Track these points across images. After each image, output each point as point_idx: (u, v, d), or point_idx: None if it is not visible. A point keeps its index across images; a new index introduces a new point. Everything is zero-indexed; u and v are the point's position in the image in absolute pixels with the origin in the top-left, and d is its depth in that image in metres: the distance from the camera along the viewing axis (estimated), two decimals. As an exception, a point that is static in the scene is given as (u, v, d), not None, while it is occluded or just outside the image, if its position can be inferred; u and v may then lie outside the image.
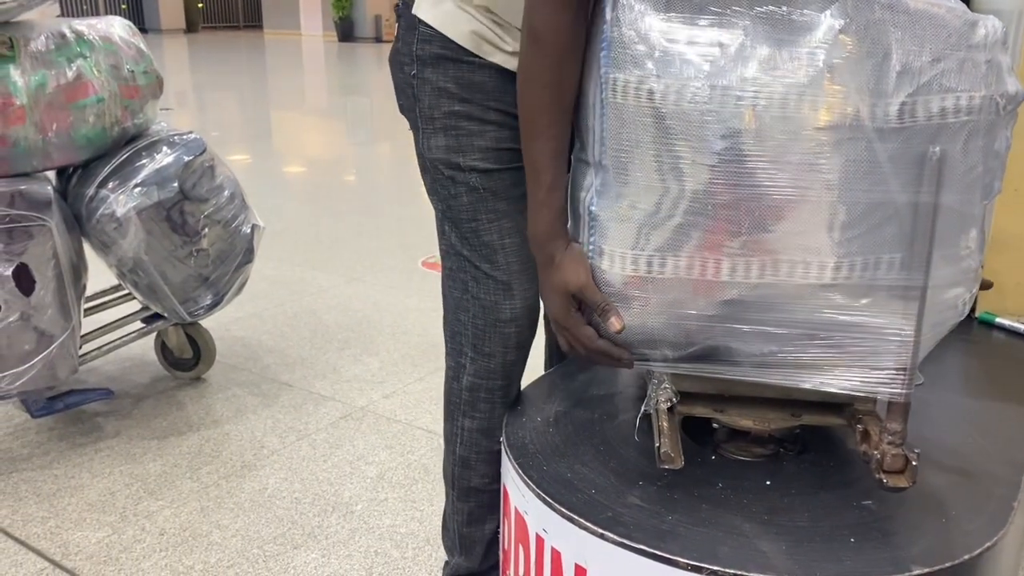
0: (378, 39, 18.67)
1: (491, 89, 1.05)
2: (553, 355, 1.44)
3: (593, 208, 0.90)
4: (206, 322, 2.32)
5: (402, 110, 1.13)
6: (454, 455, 1.25)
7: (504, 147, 1.07)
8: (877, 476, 0.89)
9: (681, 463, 0.91)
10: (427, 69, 1.07)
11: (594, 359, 0.98)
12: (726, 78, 0.80)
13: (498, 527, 1.23)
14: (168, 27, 19.58)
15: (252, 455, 2.00)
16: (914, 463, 0.88)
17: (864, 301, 0.87)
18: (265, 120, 8.40)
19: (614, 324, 0.91)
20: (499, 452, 1.16)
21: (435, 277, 3.23)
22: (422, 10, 1.07)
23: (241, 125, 7.78)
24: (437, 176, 1.13)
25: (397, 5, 1.15)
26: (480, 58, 1.04)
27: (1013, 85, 0.86)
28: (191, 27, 20.87)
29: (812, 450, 1.06)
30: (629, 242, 0.88)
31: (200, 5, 21.50)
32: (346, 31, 18.84)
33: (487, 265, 1.13)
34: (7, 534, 1.71)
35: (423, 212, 5.17)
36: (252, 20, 23.06)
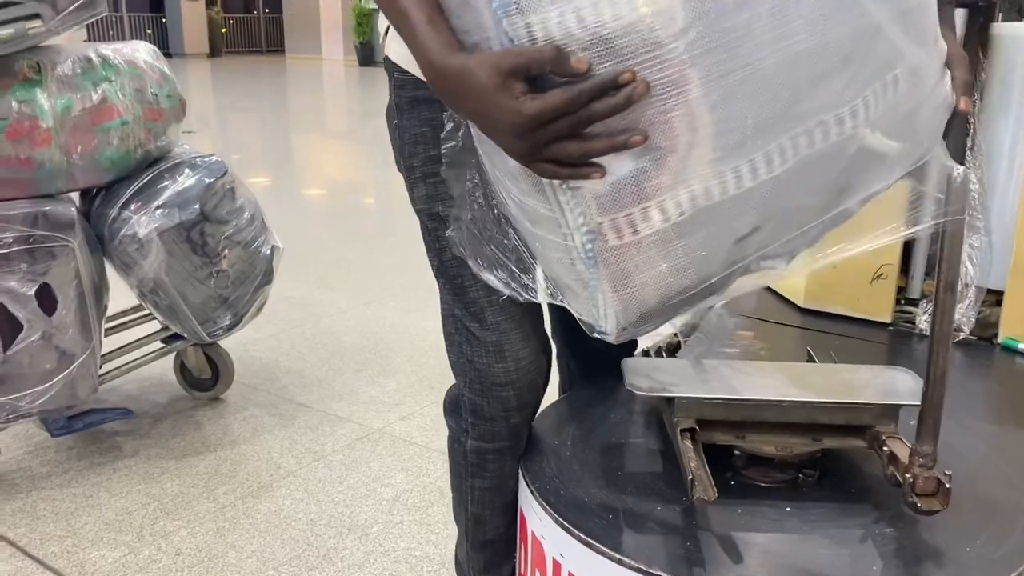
0: (398, 63, 18.82)
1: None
2: (573, 379, 1.41)
3: None
4: (225, 342, 2.33)
5: (397, 166, 1.07)
6: (466, 512, 1.19)
7: None
8: (909, 500, 0.88)
9: (714, 495, 0.89)
10: (404, 116, 1.01)
11: (591, 151, 0.71)
12: None
13: (514, 568, 1.20)
14: (192, 51, 19.89)
15: (269, 476, 2.00)
16: (947, 485, 0.87)
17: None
18: (285, 143, 8.48)
19: (581, 64, 0.66)
20: (514, 501, 1.13)
21: (452, 299, 3.25)
22: (391, 50, 1.01)
23: (261, 148, 7.86)
24: (423, 229, 1.07)
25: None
26: None
27: None
28: (214, 52, 21.19)
29: (832, 475, 1.05)
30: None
31: (223, 30, 21.83)
32: (366, 56, 19.05)
33: (476, 325, 1.04)
34: (25, 553, 1.72)
35: (441, 234, 5.15)
36: (274, 45, 23.38)
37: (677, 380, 1.08)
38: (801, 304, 1.70)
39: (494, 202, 0.87)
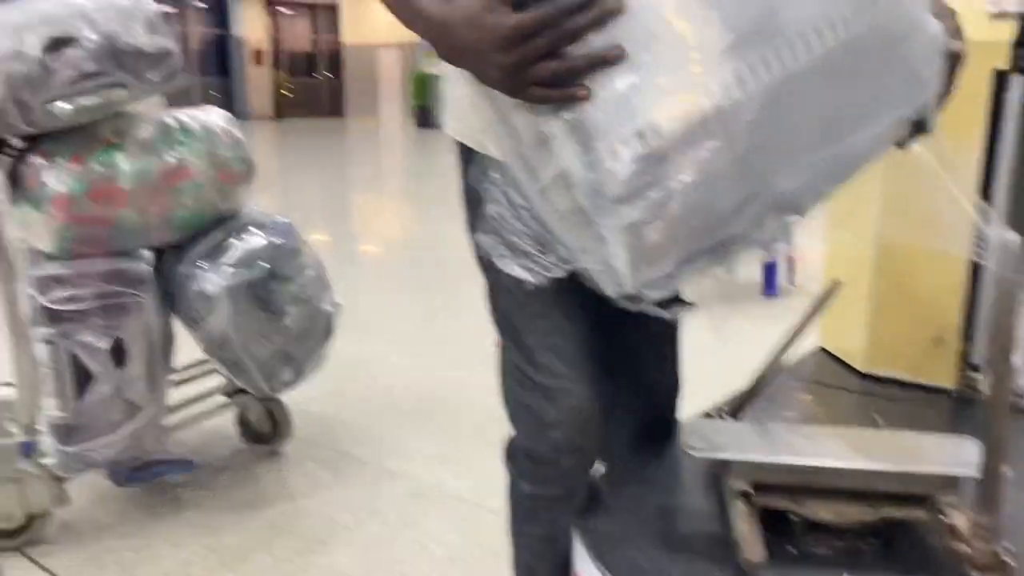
0: (454, 125, 19.27)
1: None
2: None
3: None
4: (284, 396, 2.38)
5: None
6: (520, 560, 1.22)
7: None
8: (969, 575, 0.86)
9: (762, 556, 0.89)
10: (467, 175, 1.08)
11: (574, 68, 0.75)
12: None
13: None
14: (257, 114, 20.63)
15: (325, 531, 2.02)
16: (1009, 560, 0.85)
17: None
18: (343, 201, 8.70)
19: None
20: (567, 557, 1.13)
21: (506, 357, 3.27)
22: (449, 128, 1.10)
23: (321, 206, 8.08)
24: (484, 280, 1.13)
25: None
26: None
27: None
28: (278, 114, 21.96)
29: (890, 545, 1.03)
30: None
31: (287, 93, 22.63)
32: (423, 118, 19.53)
33: (530, 368, 1.09)
34: (89, 601, 1.76)
35: (495, 293, 5.15)
36: (335, 108, 24.12)
37: (734, 443, 1.08)
38: (861, 368, 1.68)
39: (512, 195, 0.90)
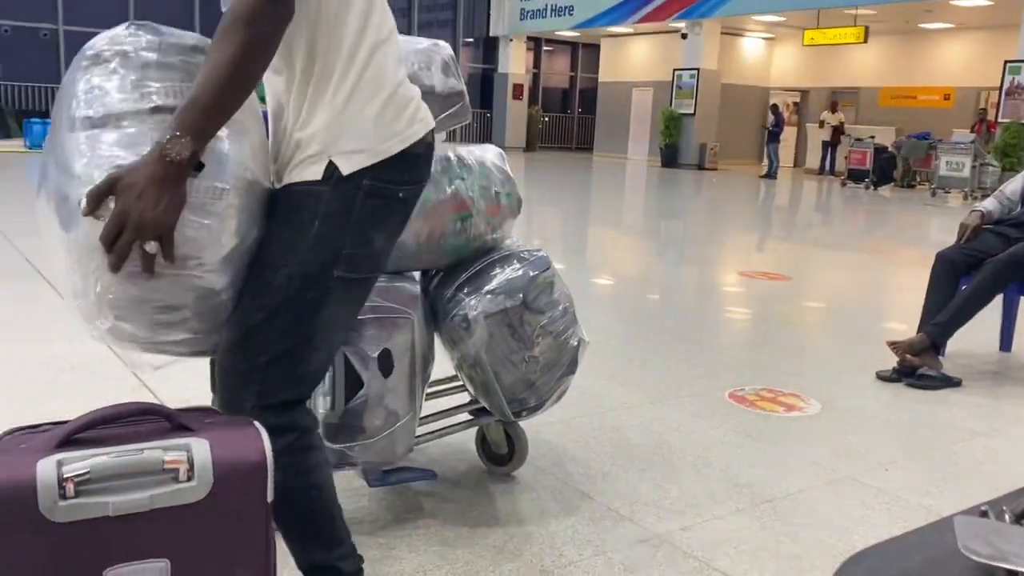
0: (700, 166, 19.09)
1: None
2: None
3: None
4: (522, 423, 2.46)
5: None
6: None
7: None
8: None
9: None
10: None
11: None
12: None
13: None
14: (511, 144, 21.66)
15: (551, 561, 2.06)
16: None
17: None
18: (583, 235, 8.88)
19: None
20: None
21: (742, 411, 3.18)
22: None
23: (561, 238, 8.30)
24: None
25: None
26: None
27: None
28: (530, 146, 22.90)
29: None
30: None
31: (540, 125, 23.52)
32: (670, 157, 19.52)
33: None
34: (336, 588, 1.92)
35: (732, 341, 5.11)
36: (584, 143, 24.75)
37: (1022, 551, 0.98)
38: None
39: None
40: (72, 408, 1.49)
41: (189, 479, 1.28)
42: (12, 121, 16.80)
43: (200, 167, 1.30)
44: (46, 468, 1.20)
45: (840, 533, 2.29)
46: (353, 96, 1.46)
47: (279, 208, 1.49)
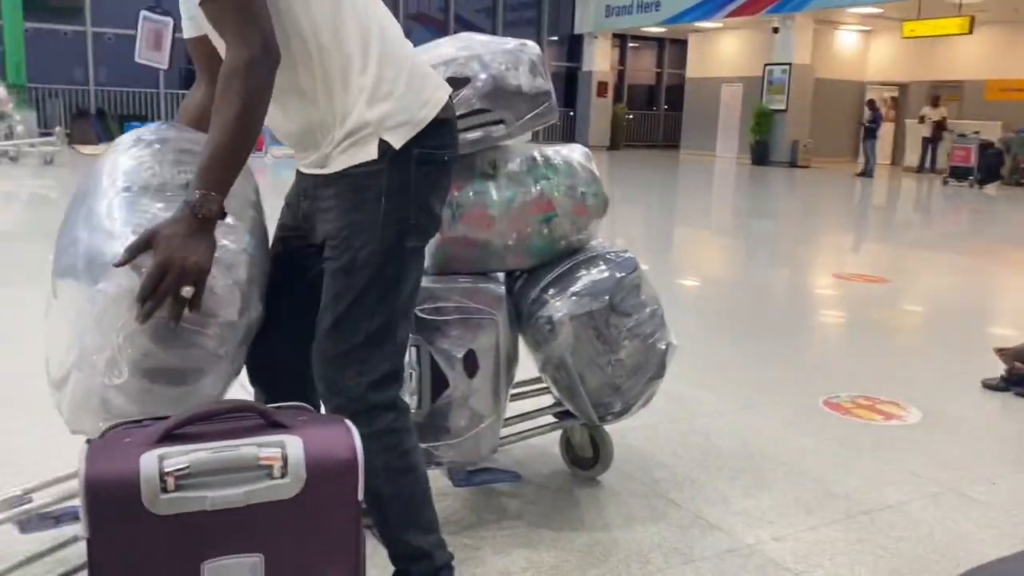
0: (792, 164, 18.58)
1: None
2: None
3: None
4: (606, 427, 2.43)
5: None
6: None
7: None
8: None
9: None
10: None
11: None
12: None
13: None
14: (594, 143, 21.51)
15: (638, 568, 2.03)
16: None
17: None
18: (670, 236, 8.75)
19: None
20: None
21: (837, 419, 3.07)
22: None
23: (648, 239, 8.20)
24: None
25: None
26: None
27: None
28: (614, 144, 22.71)
29: None
30: None
31: (625, 123, 23.30)
32: (760, 155, 19.04)
33: None
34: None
35: (826, 346, 4.95)
36: (670, 140, 24.39)
37: None
38: None
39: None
40: (172, 404, 1.54)
41: (283, 475, 1.31)
42: (114, 125, 17.63)
43: (224, 215, 1.43)
44: (149, 462, 1.25)
45: (943, 549, 2.18)
46: (381, 77, 1.54)
47: (338, 195, 1.57)
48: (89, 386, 1.48)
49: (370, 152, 1.53)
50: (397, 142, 1.54)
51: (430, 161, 1.59)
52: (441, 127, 1.60)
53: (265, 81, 1.42)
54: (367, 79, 1.53)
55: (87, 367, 1.47)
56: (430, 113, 1.58)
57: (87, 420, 1.51)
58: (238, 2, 1.39)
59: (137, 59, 8.14)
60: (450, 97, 1.66)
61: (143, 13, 7.98)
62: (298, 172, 1.72)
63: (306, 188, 1.67)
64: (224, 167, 1.42)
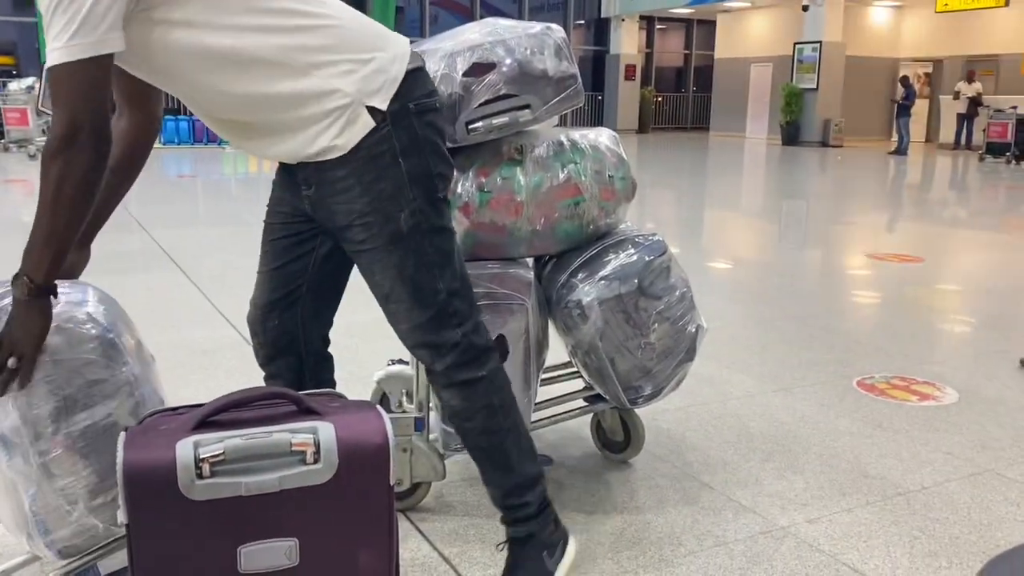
0: (824, 143, 18.32)
1: None
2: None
3: None
4: (638, 410, 2.43)
5: None
6: None
7: None
8: None
9: None
10: None
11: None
12: None
13: None
14: (623, 127, 21.38)
15: (670, 550, 2.03)
16: None
17: None
18: (700, 218, 8.68)
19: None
20: None
21: (871, 400, 3.04)
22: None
23: (677, 221, 8.14)
24: None
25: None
26: None
27: None
28: (643, 127, 22.55)
29: None
30: None
31: (653, 106, 23.10)
32: (791, 135, 18.80)
33: None
34: (456, 572, 1.95)
35: (860, 327, 4.88)
36: (700, 122, 24.17)
37: None
38: None
39: None
40: (206, 391, 1.57)
41: (315, 461, 1.33)
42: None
43: (53, 292, 1.43)
44: (184, 449, 1.27)
45: (981, 530, 2.15)
46: (336, 64, 1.51)
47: (354, 172, 1.56)
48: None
49: (367, 122, 1.53)
50: (386, 103, 1.54)
51: (426, 109, 1.61)
52: (417, 75, 1.61)
53: (85, 163, 1.35)
54: (327, 71, 1.50)
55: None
56: (400, 65, 1.58)
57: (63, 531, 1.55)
58: (70, 75, 1.32)
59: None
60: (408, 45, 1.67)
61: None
62: (284, 166, 1.70)
63: (306, 177, 1.63)
64: (40, 251, 1.39)
